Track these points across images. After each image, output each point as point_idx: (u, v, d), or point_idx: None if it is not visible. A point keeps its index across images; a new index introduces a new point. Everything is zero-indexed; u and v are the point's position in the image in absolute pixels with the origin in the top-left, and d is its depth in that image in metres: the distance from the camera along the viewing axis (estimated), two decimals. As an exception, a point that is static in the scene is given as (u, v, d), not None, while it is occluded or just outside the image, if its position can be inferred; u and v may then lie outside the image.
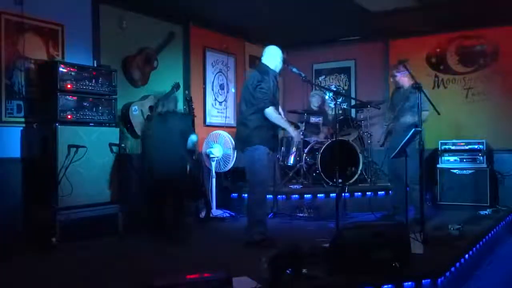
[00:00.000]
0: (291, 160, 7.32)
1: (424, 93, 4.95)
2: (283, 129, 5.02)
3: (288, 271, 3.30)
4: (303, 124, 7.32)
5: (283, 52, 4.99)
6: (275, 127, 4.80)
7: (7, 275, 3.86)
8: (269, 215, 5.52)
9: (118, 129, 5.45)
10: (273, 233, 4.93)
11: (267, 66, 4.86)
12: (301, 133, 4.75)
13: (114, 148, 5.30)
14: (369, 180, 7.23)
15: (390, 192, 6.63)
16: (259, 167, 4.69)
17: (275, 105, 4.78)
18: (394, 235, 3.67)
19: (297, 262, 3.38)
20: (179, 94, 6.40)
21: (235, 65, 8.11)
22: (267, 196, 5.03)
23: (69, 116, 4.96)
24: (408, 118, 5.58)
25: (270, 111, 4.66)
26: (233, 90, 8.05)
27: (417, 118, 4.99)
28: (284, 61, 4.99)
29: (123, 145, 5.56)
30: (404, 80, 5.79)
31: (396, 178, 5.76)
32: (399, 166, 5.41)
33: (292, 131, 4.93)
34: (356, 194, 6.82)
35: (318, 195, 6.68)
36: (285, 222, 6.04)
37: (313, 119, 7.65)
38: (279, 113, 4.90)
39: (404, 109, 5.69)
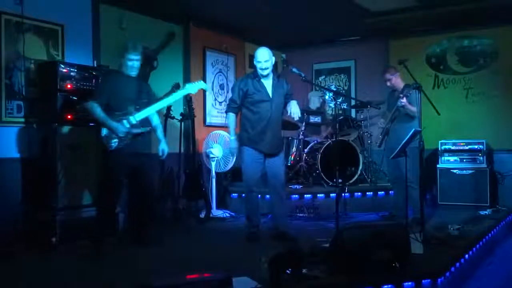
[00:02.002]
0: (291, 160, 7.33)
1: (424, 93, 4.96)
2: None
3: (288, 271, 3.30)
4: (303, 124, 7.32)
5: (283, 52, 5.01)
6: (254, 127, 4.85)
7: (7, 275, 3.86)
8: (268, 216, 5.52)
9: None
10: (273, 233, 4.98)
11: (254, 70, 4.94)
12: (234, 146, 4.89)
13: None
14: (369, 180, 7.23)
15: (390, 192, 6.64)
16: (243, 166, 4.96)
17: (238, 109, 4.91)
18: (394, 235, 3.67)
19: (297, 262, 3.38)
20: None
21: (235, 65, 8.10)
22: (258, 195, 5.07)
23: (69, 116, 4.94)
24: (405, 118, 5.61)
25: (227, 116, 5.02)
26: (233, 90, 8.04)
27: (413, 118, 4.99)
28: (284, 61, 5.02)
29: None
30: (398, 81, 5.80)
31: (395, 178, 5.77)
32: (398, 166, 5.42)
33: (232, 140, 5.04)
34: (356, 194, 6.83)
35: (318, 195, 6.68)
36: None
37: (313, 119, 7.64)
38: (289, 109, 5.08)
39: (400, 110, 5.70)
